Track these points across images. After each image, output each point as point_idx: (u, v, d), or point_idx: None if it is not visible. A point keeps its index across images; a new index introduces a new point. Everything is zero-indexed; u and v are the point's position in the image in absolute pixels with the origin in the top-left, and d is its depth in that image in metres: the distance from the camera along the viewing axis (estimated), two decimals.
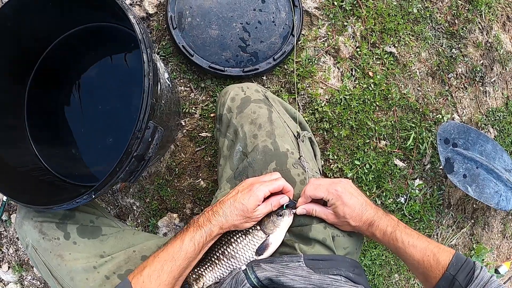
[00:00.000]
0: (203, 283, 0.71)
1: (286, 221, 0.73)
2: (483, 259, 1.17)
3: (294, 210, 0.74)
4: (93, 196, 0.69)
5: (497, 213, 1.24)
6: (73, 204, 0.70)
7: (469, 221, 1.21)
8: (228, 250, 0.71)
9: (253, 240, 0.71)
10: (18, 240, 1.21)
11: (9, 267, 1.23)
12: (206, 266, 0.72)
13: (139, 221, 1.16)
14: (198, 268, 0.72)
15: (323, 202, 0.75)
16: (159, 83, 0.76)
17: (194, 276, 0.72)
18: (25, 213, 0.79)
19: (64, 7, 0.89)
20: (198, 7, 1.14)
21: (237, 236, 0.72)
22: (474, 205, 1.20)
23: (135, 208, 1.16)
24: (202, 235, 0.68)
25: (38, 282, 1.23)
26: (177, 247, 0.67)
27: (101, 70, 1.03)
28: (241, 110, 0.86)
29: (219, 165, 0.90)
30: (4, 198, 1.16)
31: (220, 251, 0.72)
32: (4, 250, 1.22)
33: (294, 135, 0.89)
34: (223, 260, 0.71)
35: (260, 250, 0.71)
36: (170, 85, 0.94)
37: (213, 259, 0.72)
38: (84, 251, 0.77)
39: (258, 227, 0.72)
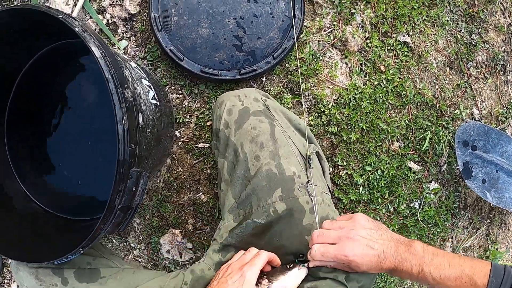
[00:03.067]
0: None
1: (294, 272, 0.67)
2: (498, 262, 1.13)
3: (306, 264, 0.68)
4: (81, 252, 0.63)
5: None
6: (62, 260, 0.64)
7: (485, 221, 1.15)
8: None
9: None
10: None
11: (18, 286, 1.20)
12: None
13: (140, 238, 1.11)
14: None
15: None
16: (140, 114, 0.66)
17: None
18: None
19: (28, 34, 0.77)
20: (184, 3, 1.00)
21: None
22: (491, 205, 1.14)
23: (135, 226, 1.10)
24: None
25: None
26: None
27: (83, 87, 0.92)
28: (239, 126, 0.78)
29: (221, 190, 0.83)
30: None
31: None
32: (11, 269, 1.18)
33: (300, 153, 0.80)
34: None
35: None
36: (158, 104, 0.84)
37: None
38: None
39: (265, 276, 0.66)
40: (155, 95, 0.87)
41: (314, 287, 0.69)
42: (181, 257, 1.08)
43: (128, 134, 0.60)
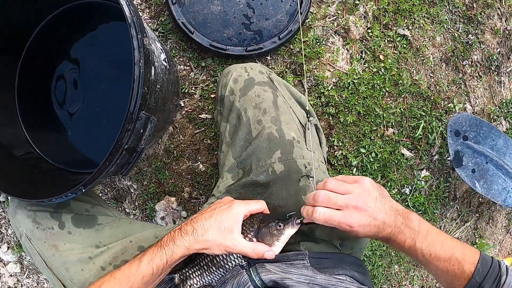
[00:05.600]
0: (190, 285, 0.67)
1: (287, 233, 0.63)
2: None
3: (299, 220, 0.64)
4: (83, 190, 0.65)
5: (503, 208, 1.20)
6: (63, 198, 0.67)
7: (473, 215, 1.18)
8: (218, 259, 0.65)
9: None
10: None
11: (8, 247, 1.21)
12: (195, 269, 0.67)
13: (136, 203, 1.13)
14: (186, 270, 0.68)
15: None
16: (153, 68, 0.70)
17: (181, 277, 0.67)
18: (18, 202, 0.76)
19: None
20: None
21: None
22: (480, 199, 1.17)
23: (132, 191, 1.13)
24: (162, 258, 0.61)
25: None
26: (133, 269, 0.61)
27: (96, 48, 0.97)
28: (244, 93, 0.81)
29: (221, 151, 0.85)
30: None
31: (209, 258, 0.66)
32: (3, 231, 1.20)
33: (300, 122, 0.84)
34: (212, 268, 0.65)
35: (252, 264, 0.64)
36: (167, 67, 0.88)
37: (201, 264, 0.66)
38: (79, 241, 0.74)
39: (254, 239, 0.63)
40: (166, 59, 0.91)
41: (309, 248, 0.71)
42: (174, 224, 1.10)
43: (143, 76, 0.64)
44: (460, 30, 1.18)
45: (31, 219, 0.74)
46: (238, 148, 0.80)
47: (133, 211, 1.14)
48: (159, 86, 0.80)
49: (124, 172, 0.72)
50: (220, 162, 0.87)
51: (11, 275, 1.26)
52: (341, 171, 1.09)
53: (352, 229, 0.61)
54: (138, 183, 1.12)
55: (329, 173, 1.09)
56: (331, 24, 1.11)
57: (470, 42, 1.18)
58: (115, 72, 0.97)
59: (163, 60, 0.88)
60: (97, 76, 0.97)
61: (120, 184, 1.13)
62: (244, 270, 0.63)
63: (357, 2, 1.12)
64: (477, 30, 1.19)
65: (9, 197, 1.14)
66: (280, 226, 0.63)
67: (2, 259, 1.22)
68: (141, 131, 0.67)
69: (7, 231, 1.20)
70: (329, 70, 1.10)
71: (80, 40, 0.96)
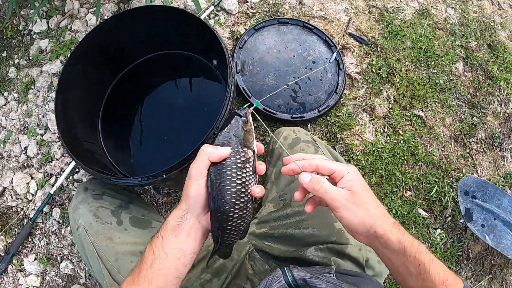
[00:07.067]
0: None
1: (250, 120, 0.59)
2: None
3: (250, 109, 0.61)
4: (164, 177, 0.77)
5: None
6: (144, 181, 0.77)
7: (486, 276, 1.30)
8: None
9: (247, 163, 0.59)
10: (52, 233, 1.24)
11: (35, 258, 1.22)
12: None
13: None
14: None
15: None
16: None
17: None
18: (82, 198, 0.85)
19: (171, 32, 1.06)
20: (259, 59, 1.38)
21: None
22: (492, 261, 1.30)
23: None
24: (157, 235, 0.59)
25: (60, 279, 1.21)
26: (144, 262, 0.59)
27: (178, 92, 1.18)
28: (291, 147, 1.03)
29: (266, 188, 1.02)
30: (52, 191, 1.21)
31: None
32: (35, 241, 1.23)
33: None
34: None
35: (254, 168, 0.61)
36: None
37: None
38: (134, 238, 0.81)
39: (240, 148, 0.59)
40: None
41: (337, 265, 0.78)
42: None
43: None
44: (466, 114, 1.43)
45: (92, 213, 0.82)
46: (282, 185, 0.96)
47: None
48: None
49: None
50: (263, 197, 1.03)
51: None
52: None
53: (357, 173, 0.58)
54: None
55: None
56: (360, 103, 1.38)
57: (475, 123, 1.42)
58: (188, 115, 1.15)
59: None
60: (171, 115, 1.15)
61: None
62: (279, 268, 0.66)
63: (381, 88, 1.41)
64: (480, 114, 1.44)
65: (57, 206, 1.23)
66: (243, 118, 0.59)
67: (25, 269, 1.22)
68: None
69: (39, 242, 1.23)
70: (357, 140, 1.34)
71: (166, 82, 1.18)
